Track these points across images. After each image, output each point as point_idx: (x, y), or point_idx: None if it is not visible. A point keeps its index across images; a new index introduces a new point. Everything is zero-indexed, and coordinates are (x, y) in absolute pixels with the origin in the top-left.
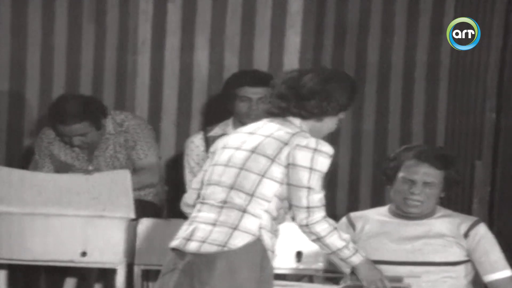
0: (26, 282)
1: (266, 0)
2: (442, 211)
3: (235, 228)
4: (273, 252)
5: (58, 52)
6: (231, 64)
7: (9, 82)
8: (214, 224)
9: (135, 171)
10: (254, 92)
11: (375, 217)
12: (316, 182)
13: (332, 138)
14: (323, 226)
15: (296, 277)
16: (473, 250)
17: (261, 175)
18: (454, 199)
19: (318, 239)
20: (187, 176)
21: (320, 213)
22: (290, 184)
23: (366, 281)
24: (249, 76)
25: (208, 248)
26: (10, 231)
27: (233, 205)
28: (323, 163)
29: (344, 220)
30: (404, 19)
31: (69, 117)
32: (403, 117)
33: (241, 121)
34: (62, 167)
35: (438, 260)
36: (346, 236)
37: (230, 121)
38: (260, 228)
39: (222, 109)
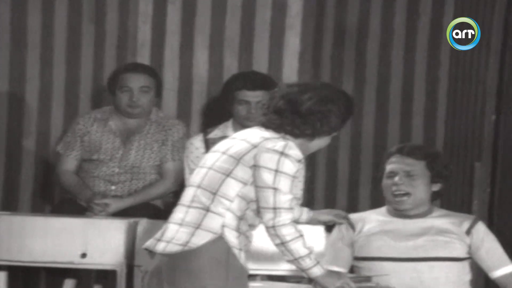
0: (25, 284)
1: (266, 1)
2: (439, 211)
3: (197, 227)
4: (241, 250)
5: (58, 52)
6: (231, 65)
7: (9, 82)
8: (180, 224)
9: (161, 170)
10: (252, 96)
11: (374, 217)
12: (283, 184)
13: (331, 139)
14: (289, 230)
15: (296, 278)
16: (477, 247)
17: (226, 175)
18: (454, 199)
19: (282, 244)
20: (187, 177)
21: (288, 215)
22: (257, 186)
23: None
24: (247, 80)
25: (171, 248)
26: (10, 232)
27: (198, 204)
28: (289, 166)
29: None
30: (404, 19)
31: (140, 66)
32: (403, 117)
33: (240, 124)
34: (92, 148)
35: (442, 255)
36: (311, 245)
37: (229, 123)
38: (223, 226)
39: (222, 111)
